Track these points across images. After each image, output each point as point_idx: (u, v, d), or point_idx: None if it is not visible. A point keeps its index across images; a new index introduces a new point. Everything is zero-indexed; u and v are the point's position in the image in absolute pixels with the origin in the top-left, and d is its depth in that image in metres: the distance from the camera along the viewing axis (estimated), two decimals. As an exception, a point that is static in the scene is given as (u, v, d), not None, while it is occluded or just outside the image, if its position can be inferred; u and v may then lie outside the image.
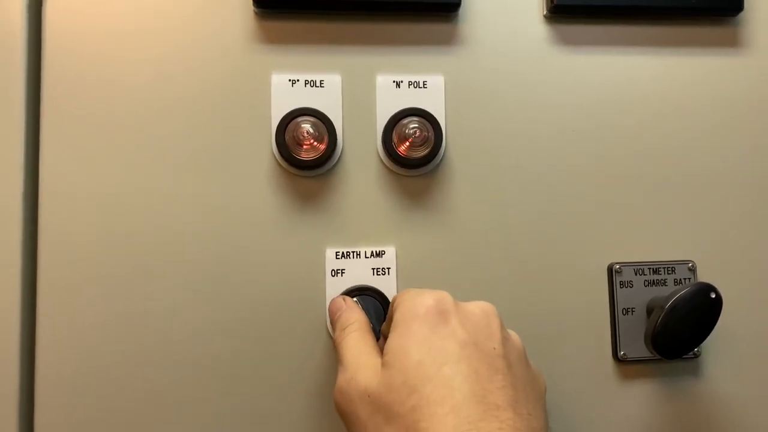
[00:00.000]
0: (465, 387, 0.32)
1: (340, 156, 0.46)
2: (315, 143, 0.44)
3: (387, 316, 0.40)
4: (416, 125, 0.45)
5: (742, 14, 0.50)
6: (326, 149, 0.44)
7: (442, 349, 0.33)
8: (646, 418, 0.47)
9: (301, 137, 0.44)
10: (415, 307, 0.36)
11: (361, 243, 0.46)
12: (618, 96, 0.49)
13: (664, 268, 0.47)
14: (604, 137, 0.49)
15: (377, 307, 0.43)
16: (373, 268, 0.46)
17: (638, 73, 0.49)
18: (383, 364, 0.34)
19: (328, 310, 0.42)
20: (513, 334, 0.38)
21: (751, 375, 0.48)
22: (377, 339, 0.40)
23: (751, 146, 0.50)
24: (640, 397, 0.47)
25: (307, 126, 0.44)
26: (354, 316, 0.40)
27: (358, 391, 0.34)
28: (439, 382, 0.32)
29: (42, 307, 0.43)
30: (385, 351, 0.35)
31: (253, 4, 0.46)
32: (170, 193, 0.45)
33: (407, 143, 0.45)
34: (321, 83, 0.46)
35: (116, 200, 0.44)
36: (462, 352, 0.33)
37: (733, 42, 0.50)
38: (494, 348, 0.34)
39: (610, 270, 0.47)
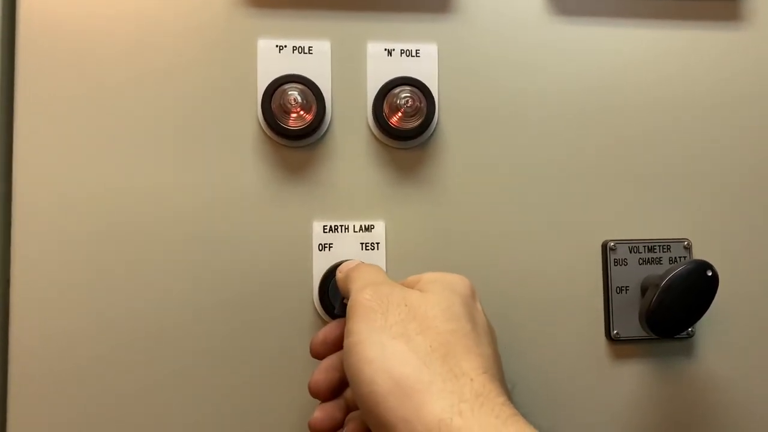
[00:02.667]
0: (490, 349, 0.34)
1: (328, 126, 0.45)
2: (302, 112, 0.43)
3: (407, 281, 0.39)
4: (408, 95, 0.43)
5: (743, -13, 0.49)
6: (314, 118, 0.43)
7: (474, 313, 0.36)
8: (638, 398, 0.46)
9: (289, 105, 0.42)
10: (454, 276, 0.37)
11: (350, 217, 0.45)
12: (615, 69, 0.48)
13: (659, 245, 0.46)
14: (601, 111, 0.47)
15: None
16: (361, 243, 0.44)
17: (636, 46, 0.48)
18: (422, 289, 0.36)
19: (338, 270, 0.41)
20: None
21: (744, 355, 0.47)
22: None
23: (749, 123, 0.49)
24: (632, 376, 0.46)
25: (294, 93, 0.42)
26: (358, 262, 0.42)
27: (397, 296, 0.34)
28: (476, 331, 0.34)
29: (16, 294, 0.41)
30: (423, 286, 0.36)
31: (239, -35, 0.44)
32: (150, 166, 0.43)
33: (399, 114, 0.43)
34: (309, 50, 0.44)
35: (94, 176, 0.42)
36: (486, 327, 0.36)
37: (734, 16, 0.49)
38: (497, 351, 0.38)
39: (605, 247, 0.46)
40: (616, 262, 0.46)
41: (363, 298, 0.34)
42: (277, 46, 0.44)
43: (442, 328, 0.33)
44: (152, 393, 0.42)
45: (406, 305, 0.34)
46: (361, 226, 0.45)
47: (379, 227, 0.45)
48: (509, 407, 0.30)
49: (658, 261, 0.46)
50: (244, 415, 0.43)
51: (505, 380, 0.36)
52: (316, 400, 0.38)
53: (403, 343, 0.32)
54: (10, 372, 0.41)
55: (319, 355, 0.39)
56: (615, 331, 0.46)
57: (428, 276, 0.38)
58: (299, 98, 0.42)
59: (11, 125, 0.42)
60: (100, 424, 0.41)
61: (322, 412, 0.38)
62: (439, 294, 0.35)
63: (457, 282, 0.37)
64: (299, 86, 0.43)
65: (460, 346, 0.32)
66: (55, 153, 0.42)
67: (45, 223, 0.42)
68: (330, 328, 0.40)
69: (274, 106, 0.42)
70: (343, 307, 0.40)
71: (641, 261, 0.46)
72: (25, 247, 0.42)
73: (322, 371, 0.38)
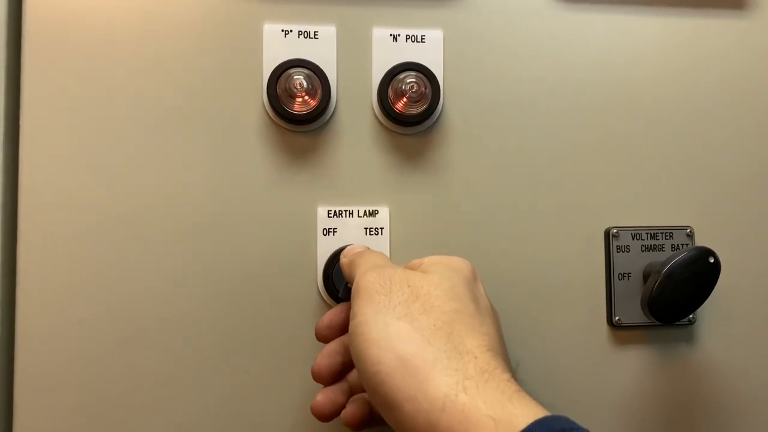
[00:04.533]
0: (493, 329, 0.35)
1: (333, 111, 0.45)
2: (307, 97, 0.43)
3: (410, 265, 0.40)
4: (413, 80, 0.43)
5: (749, -25, 0.49)
6: (319, 103, 0.43)
7: (477, 295, 0.36)
8: (639, 384, 0.46)
9: (294, 89, 0.42)
10: (456, 259, 0.38)
11: (354, 202, 0.45)
12: (620, 56, 0.48)
13: (661, 233, 0.47)
14: (605, 99, 0.47)
15: None
16: (366, 228, 0.45)
17: (642, 34, 0.48)
18: (424, 271, 0.36)
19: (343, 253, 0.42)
20: None
21: (744, 342, 0.48)
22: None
23: (753, 112, 0.49)
24: (633, 362, 0.46)
25: (300, 78, 0.42)
26: (362, 247, 0.42)
27: (399, 277, 0.35)
28: (479, 311, 0.35)
29: (23, 279, 0.42)
30: (426, 268, 0.37)
31: (245, -51, 0.44)
32: (155, 152, 0.43)
33: (404, 99, 0.43)
34: (315, 34, 0.44)
35: (97, 164, 0.43)
36: (489, 309, 0.36)
37: (739, 4, 0.49)
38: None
39: (607, 234, 0.46)
40: (619, 248, 0.46)
41: (367, 280, 0.35)
42: (282, 30, 0.44)
43: (446, 307, 0.33)
44: (157, 378, 0.42)
45: (409, 286, 0.34)
46: (365, 211, 0.45)
47: (383, 212, 0.45)
48: (514, 383, 0.30)
49: (661, 248, 0.47)
50: (249, 399, 0.43)
51: (510, 359, 0.37)
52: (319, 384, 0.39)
53: (407, 323, 0.32)
54: (16, 365, 0.41)
55: (324, 338, 0.40)
56: (617, 318, 0.46)
57: (430, 259, 0.38)
58: (305, 83, 0.42)
59: (18, 110, 0.42)
60: (109, 412, 0.42)
61: (323, 396, 0.38)
62: (442, 275, 0.35)
63: (459, 264, 0.37)
64: (305, 71, 0.43)
65: (464, 325, 0.33)
66: (60, 140, 0.42)
67: (51, 210, 0.42)
68: (335, 312, 0.40)
69: (279, 90, 0.42)
70: (348, 290, 0.41)
71: (643, 248, 0.46)
72: (31, 237, 0.42)
73: (325, 356, 0.39)
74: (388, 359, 0.31)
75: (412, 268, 0.38)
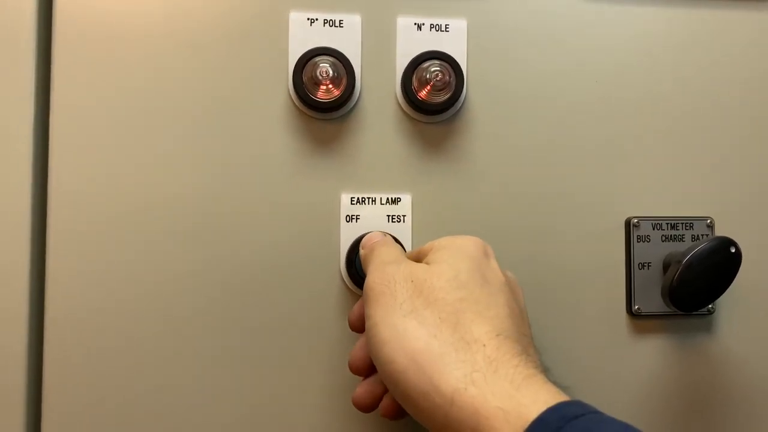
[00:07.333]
0: (505, 308, 0.34)
1: (357, 99, 0.45)
2: (331, 86, 0.43)
3: (415, 252, 0.40)
4: (438, 69, 0.44)
5: (773, -34, 0.49)
6: (344, 91, 0.43)
7: (488, 273, 0.36)
8: (657, 373, 0.47)
9: (319, 77, 0.43)
10: (464, 239, 0.38)
11: (377, 189, 0.45)
12: (643, 47, 0.48)
13: (682, 223, 0.47)
14: (628, 90, 0.47)
15: None
16: (388, 215, 0.45)
17: (666, 26, 0.48)
18: (429, 262, 0.36)
19: (362, 244, 0.42)
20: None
21: (763, 333, 0.48)
22: None
23: (776, 104, 0.49)
24: (652, 351, 0.47)
25: (325, 66, 0.43)
26: (380, 235, 0.43)
27: (402, 273, 0.35)
28: (487, 292, 0.34)
29: (52, 258, 0.43)
30: (432, 255, 0.37)
31: (272, -62, 0.44)
32: (181, 138, 0.44)
33: (428, 88, 0.44)
34: (340, 23, 0.45)
35: (124, 151, 0.43)
36: (503, 286, 0.36)
37: (763, -5, 0.49)
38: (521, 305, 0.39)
39: (628, 224, 0.47)
40: (639, 238, 0.46)
41: (372, 281, 0.36)
42: (308, 19, 0.45)
43: (450, 297, 0.33)
44: (183, 367, 0.43)
45: (412, 281, 0.34)
46: (387, 198, 0.45)
47: (406, 200, 0.45)
48: (525, 367, 0.30)
49: (681, 238, 0.47)
50: (273, 386, 0.44)
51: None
52: (342, 364, 0.39)
53: (413, 319, 0.33)
54: (45, 355, 0.42)
55: (358, 329, 0.40)
56: (636, 307, 0.46)
57: (438, 243, 0.38)
58: (330, 71, 0.43)
59: (48, 94, 0.43)
60: (136, 400, 0.43)
61: (362, 389, 0.39)
62: (445, 263, 0.35)
63: (467, 245, 0.37)
64: (330, 59, 0.43)
65: (470, 313, 0.33)
66: (89, 132, 0.43)
67: (80, 199, 0.43)
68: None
69: (305, 78, 0.43)
70: None
71: (664, 238, 0.47)
72: (60, 224, 0.43)
73: (359, 349, 0.39)
74: (400, 358, 0.32)
75: (421, 254, 0.38)
